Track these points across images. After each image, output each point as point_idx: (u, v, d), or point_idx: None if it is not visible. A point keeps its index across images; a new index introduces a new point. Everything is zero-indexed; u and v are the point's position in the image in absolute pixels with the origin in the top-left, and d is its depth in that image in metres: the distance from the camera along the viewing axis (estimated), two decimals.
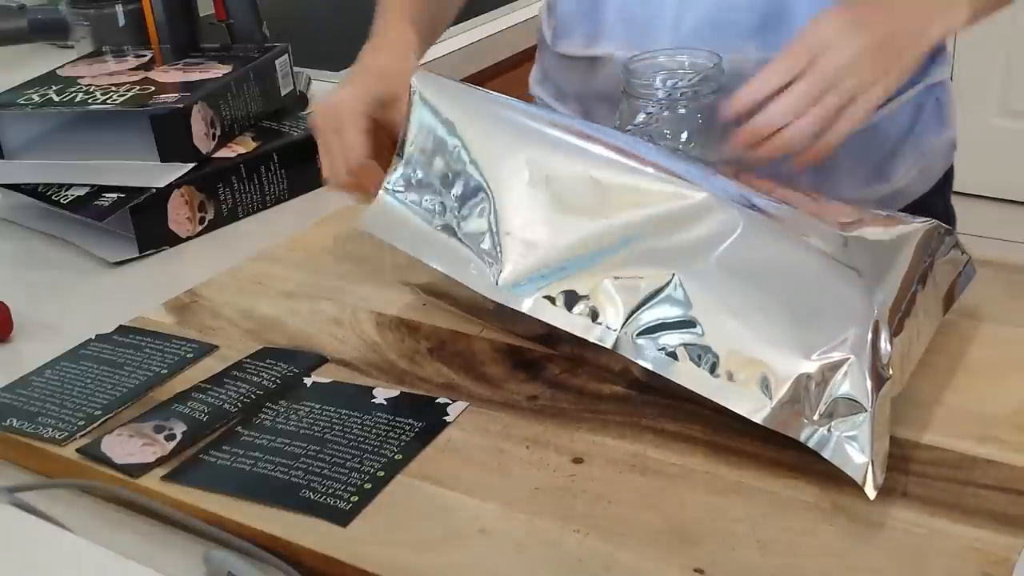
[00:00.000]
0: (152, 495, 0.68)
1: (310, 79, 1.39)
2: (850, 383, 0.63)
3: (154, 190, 1.01)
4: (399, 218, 0.81)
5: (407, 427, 0.72)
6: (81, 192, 1.02)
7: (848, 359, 0.64)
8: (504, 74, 1.64)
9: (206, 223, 1.06)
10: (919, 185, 1.03)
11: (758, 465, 0.66)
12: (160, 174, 1.03)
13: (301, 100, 1.31)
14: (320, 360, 0.81)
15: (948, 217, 1.08)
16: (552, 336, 0.76)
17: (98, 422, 0.75)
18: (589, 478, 0.67)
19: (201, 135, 1.06)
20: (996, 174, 2.64)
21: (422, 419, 0.73)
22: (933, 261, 0.73)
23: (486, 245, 0.76)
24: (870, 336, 0.65)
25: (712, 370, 0.67)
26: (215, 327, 0.86)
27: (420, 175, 0.81)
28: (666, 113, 0.85)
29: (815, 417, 0.64)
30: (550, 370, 0.77)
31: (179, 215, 1.03)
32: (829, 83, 0.77)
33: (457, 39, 1.59)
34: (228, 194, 1.07)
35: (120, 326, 0.87)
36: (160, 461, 0.70)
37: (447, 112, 0.80)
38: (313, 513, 0.65)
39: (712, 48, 0.87)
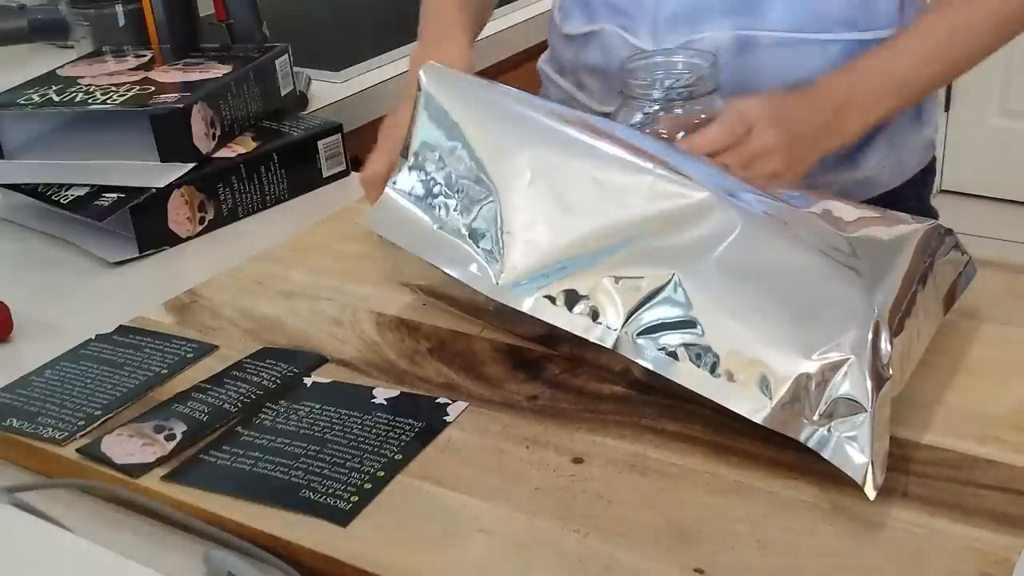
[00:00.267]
0: (152, 495, 0.68)
1: (310, 79, 1.39)
2: (850, 383, 0.63)
3: (154, 190, 1.01)
4: (402, 216, 0.81)
5: (407, 427, 0.72)
6: (81, 192, 1.02)
7: (848, 359, 0.64)
8: (505, 73, 1.64)
9: (206, 223, 1.06)
10: (890, 177, 1.06)
11: (758, 465, 0.66)
12: (160, 174, 1.03)
13: (301, 100, 1.31)
14: (320, 360, 0.81)
15: (924, 213, 1.09)
16: (552, 336, 0.76)
17: (98, 422, 0.75)
18: (589, 478, 0.67)
19: (201, 135, 1.06)
20: (996, 174, 2.64)
21: (422, 419, 0.73)
22: (933, 261, 0.73)
23: (487, 244, 0.76)
24: (870, 336, 0.65)
25: (712, 370, 0.67)
26: (215, 327, 0.86)
27: (424, 173, 0.81)
28: (662, 113, 0.85)
29: (815, 417, 0.64)
30: (550, 370, 0.77)
31: (179, 215, 1.03)
32: (747, 163, 0.84)
33: None
34: (228, 194, 1.07)
35: (120, 326, 0.87)
36: (160, 461, 0.70)
37: (452, 110, 0.80)
38: (313, 513, 0.65)
39: (689, 27, 0.95)
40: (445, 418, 0.73)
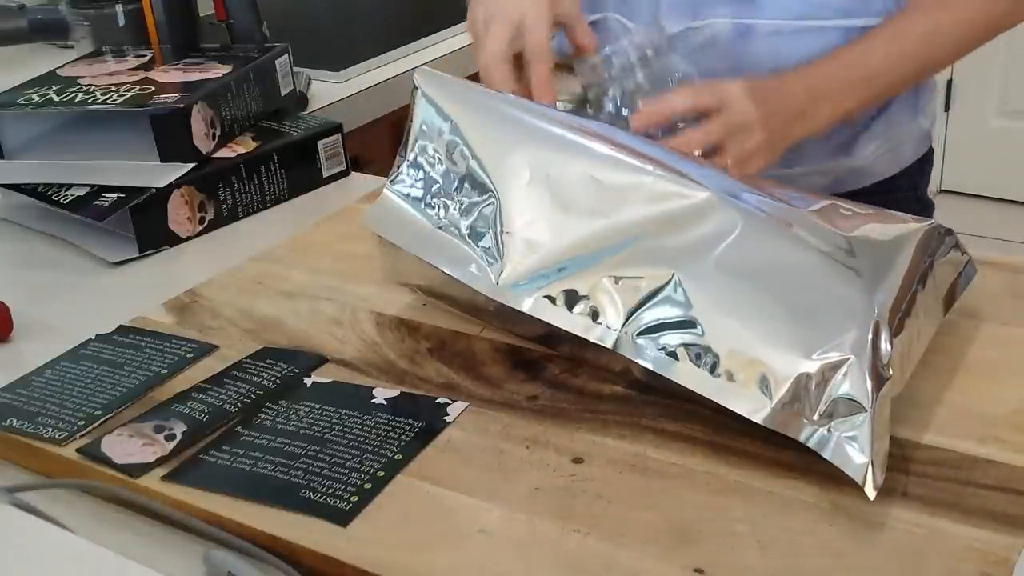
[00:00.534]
0: (152, 495, 0.68)
1: (310, 79, 1.39)
2: (850, 383, 0.63)
3: (154, 190, 1.01)
4: (401, 216, 0.81)
5: (407, 427, 0.72)
6: (81, 192, 1.02)
7: (848, 359, 0.64)
8: None
9: (206, 223, 1.06)
10: (887, 166, 1.07)
11: (758, 465, 0.66)
12: (160, 174, 1.03)
13: (301, 100, 1.31)
14: (320, 360, 0.81)
15: (921, 205, 1.12)
16: (552, 336, 0.76)
17: (98, 422, 0.75)
18: (589, 478, 0.67)
19: (201, 135, 1.06)
20: (996, 174, 2.64)
21: (422, 419, 0.73)
22: (933, 261, 0.73)
23: (487, 244, 0.76)
24: (870, 336, 0.65)
25: (712, 370, 0.67)
26: (215, 327, 0.86)
27: (423, 173, 0.81)
28: (622, 89, 0.87)
29: (815, 417, 0.64)
30: (550, 370, 0.77)
31: (179, 215, 1.03)
32: (730, 134, 0.85)
33: (457, 39, 1.59)
34: (228, 194, 1.07)
35: (120, 326, 0.87)
36: (160, 461, 0.70)
37: (450, 110, 0.80)
38: (313, 513, 0.65)
39: (690, 15, 0.97)
40: (445, 418, 0.73)
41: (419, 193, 0.81)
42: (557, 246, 0.74)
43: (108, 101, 1.07)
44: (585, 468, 0.67)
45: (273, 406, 0.75)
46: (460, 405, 0.74)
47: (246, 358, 0.81)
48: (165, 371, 0.80)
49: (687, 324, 0.68)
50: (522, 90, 0.83)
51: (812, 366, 0.64)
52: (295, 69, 1.24)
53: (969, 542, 0.59)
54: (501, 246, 0.76)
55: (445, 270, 0.78)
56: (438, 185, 0.80)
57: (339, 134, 1.15)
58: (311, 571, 0.62)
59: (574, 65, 0.88)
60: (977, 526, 0.60)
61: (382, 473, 0.68)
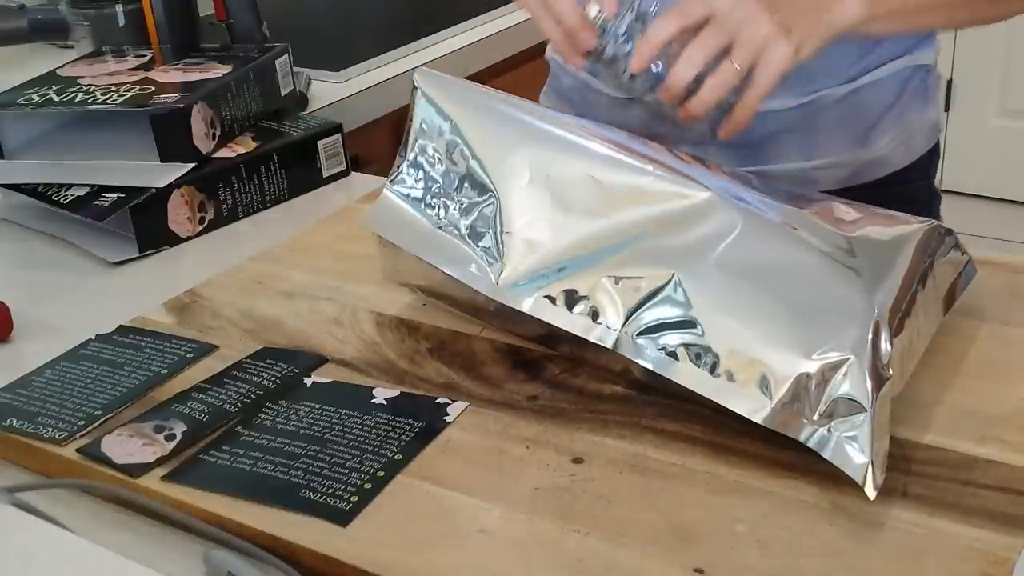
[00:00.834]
0: (152, 495, 0.68)
1: (310, 79, 1.39)
2: (850, 383, 0.63)
3: (154, 190, 1.01)
4: (401, 216, 0.81)
5: (407, 427, 0.72)
6: (81, 192, 1.02)
7: (848, 359, 0.64)
8: (504, 74, 1.64)
9: (206, 223, 1.06)
10: (901, 157, 1.07)
11: (758, 465, 0.66)
12: (160, 174, 1.03)
13: (301, 100, 1.31)
14: (320, 360, 0.81)
15: (930, 194, 1.12)
16: (552, 336, 0.76)
17: (98, 422, 0.75)
18: (589, 478, 0.67)
19: (201, 135, 1.06)
20: (996, 174, 2.64)
21: (422, 419, 0.73)
22: (933, 261, 0.73)
23: (487, 244, 0.76)
24: (870, 336, 0.65)
25: (712, 370, 0.67)
26: (215, 327, 0.86)
27: (423, 173, 0.81)
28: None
29: (815, 417, 0.64)
30: (550, 370, 0.77)
31: (179, 215, 1.03)
32: (731, 32, 0.79)
33: (457, 39, 1.59)
34: (228, 194, 1.07)
35: (120, 326, 0.87)
36: (160, 461, 0.70)
37: (450, 110, 0.80)
38: (313, 513, 0.65)
39: None
40: (445, 418, 0.73)
41: (419, 193, 0.81)
42: (557, 246, 0.74)
43: (108, 101, 1.07)
44: (585, 468, 0.67)
45: (273, 406, 0.75)
46: (460, 405, 0.74)
47: (246, 358, 0.81)
48: (165, 371, 0.80)
49: (687, 324, 0.68)
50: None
51: (812, 366, 0.64)
52: (295, 69, 1.23)
53: (969, 542, 0.59)
54: (501, 246, 0.76)
55: (445, 270, 0.78)
56: (438, 185, 0.80)
57: (339, 134, 1.15)
58: (311, 571, 0.62)
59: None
60: (977, 526, 0.60)
61: (382, 473, 0.68)
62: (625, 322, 0.70)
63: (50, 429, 0.74)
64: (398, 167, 0.82)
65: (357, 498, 0.66)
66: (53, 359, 0.83)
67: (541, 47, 1.64)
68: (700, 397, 0.67)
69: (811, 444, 0.64)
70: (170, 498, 0.67)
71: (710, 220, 0.70)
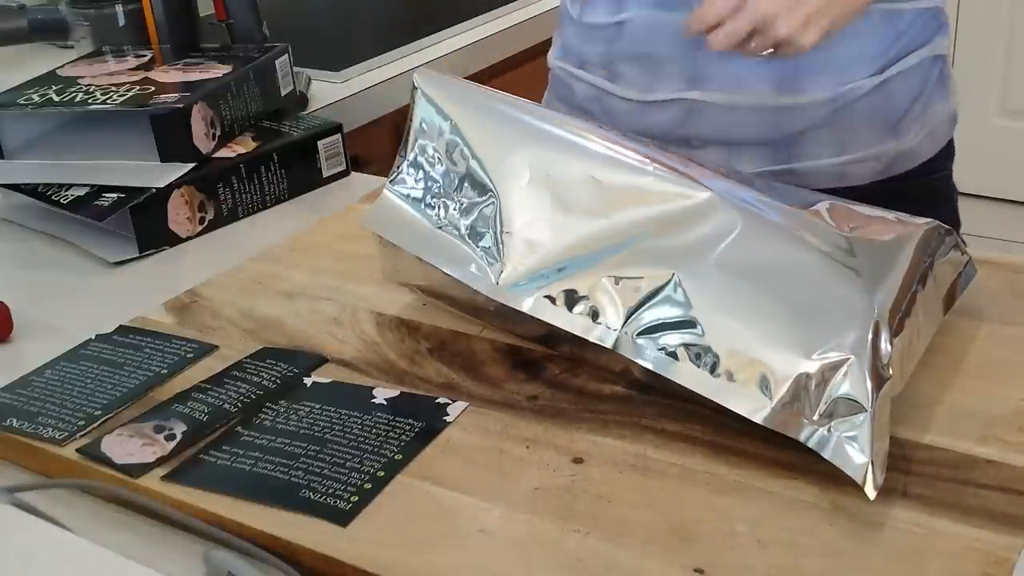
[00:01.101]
0: (152, 495, 0.68)
1: (310, 79, 1.39)
2: (850, 383, 0.63)
3: (154, 190, 1.01)
4: (401, 216, 0.81)
5: (407, 427, 0.72)
6: (81, 192, 1.02)
7: (848, 359, 0.64)
8: (504, 74, 1.64)
9: (206, 223, 1.06)
10: (927, 148, 1.08)
11: (758, 465, 0.66)
12: (160, 174, 1.03)
13: (301, 100, 1.31)
14: (320, 360, 0.81)
15: (949, 187, 1.14)
16: (552, 336, 0.76)
17: (98, 422, 0.75)
18: (589, 478, 0.67)
19: (201, 135, 1.06)
20: (996, 174, 2.64)
21: (422, 419, 0.73)
22: (933, 261, 0.73)
23: (487, 244, 0.76)
24: (870, 336, 0.65)
25: (712, 370, 0.67)
26: (215, 327, 0.87)
27: (422, 173, 0.81)
28: None
29: (815, 417, 0.64)
30: (550, 370, 0.77)
31: (179, 215, 1.03)
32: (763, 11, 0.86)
33: (457, 39, 1.59)
34: (228, 194, 1.07)
35: (120, 326, 0.87)
36: (160, 461, 0.70)
37: (450, 110, 0.80)
38: (313, 513, 0.65)
39: None
40: (445, 418, 0.73)
41: (419, 193, 0.81)
42: (557, 246, 0.74)
43: (108, 101, 1.07)
44: (585, 468, 0.67)
45: (273, 406, 0.75)
46: (460, 405, 0.74)
47: (246, 358, 0.81)
48: (165, 371, 0.80)
49: (687, 324, 0.68)
50: None
51: (812, 366, 0.64)
52: (295, 69, 1.23)
53: (969, 542, 0.59)
54: (501, 246, 0.76)
55: (445, 270, 0.78)
56: (438, 185, 0.80)
57: (339, 134, 1.15)
58: (311, 571, 0.62)
59: None
60: (977, 526, 0.60)
61: (382, 473, 0.68)
62: (625, 322, 0.70)
63: (50, 429, 0.74)
64: (398, 167, 0.82)
65: (357, 498, 0.66)
66: (53, 359, 0.83)
67: (540, 47, 1.64)
68: (700, 397, 0.67)
69: (811, 444, 0.64)
70: (170, 498, 0.67)
71: (710, 220, 0.70)
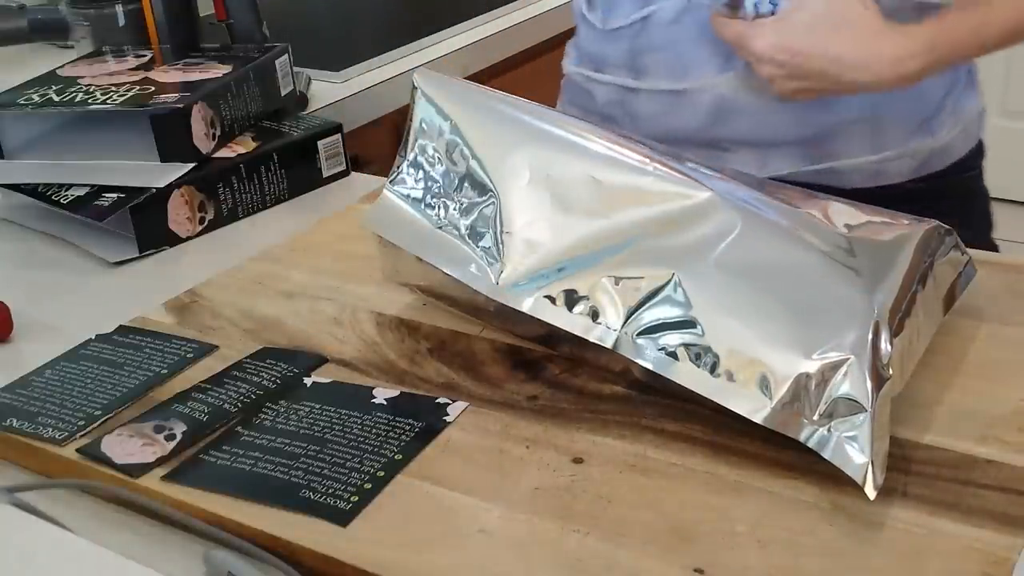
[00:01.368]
0: (152, 495, 0.68)
1: (310, 79, 1.39)
2: (850, 383, 0.63)
3: (154, 190, 1.01)
4: (401, 216, 0.81)
5: (407, 427, 0.72)
6: (81, 192, 1.02)
7: (848, 359, 0.64)
8: (504, 74, 1.64)
9: (206, 223, 1.06)
10: (960, 145, 1.09)
11: (758, 465, 0.66)
12: (160, 174, 1.03)
13: (301, 100, 1.31)
14: (320, 360, 0.81)
15: (981, 187, 1.17)
16: (552, 336, 0.76)
17: (98, 422, 0.75)
18: (589, 478, 0.67)
19: (201, 135, 1.06)
20: (996, 174, 2.63)
21: (422, 419, 0.73)
22: (933, 261, 0.73)
23: (487, 244, 0.76)
24: (870, 336, 0.65)
25: (712, 370, 0.67)
26: (215, 327, 0.86)
27: (422, 173, 0.81)
28: None
29: (815, 417, 0.64)
30: (550, 370, 0.77)
31: (179, 215, 1.03)
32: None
33: (457, 39, 1.59)
34: (228, 194, 1.07)
35: (120, 326, 0.87)
36: (160, 461, 0.70)
37: (450, 110, 0.80)
38: (313, 513, 0.65)
39: None
40: (445, 418, 0.73)
41: (419, 193, 0.81)
42: (557, 246, 0.74)
43: (108, 101, 1.07)
44: (585, 468, 0.67)
45: (273, 406, 0.75)
46: (460, 405, 0.74)
47: (246, 358, 0.81)
48: (165, 371, 0.80)
49: (687, 324, 0.68)
50: None
51: (812, 366, 0.64)
52: (295, 69, 1.23)
53: (969, 542, 0.59)
54: (501, 246, 0.76)
55: (445, 270, 0.78)
56: (438, 185, 0.80)
57: (339, 134, 1.15)
58: (311, 571, 0.62)
59: None
60: (977, 526, 0.60)
61: (382, 473, 0.68)
62: (625, 322, 0.70)
63: (50, 429, 0.74)
64: (398, 167, 0.82)
65: (357, 498, 0.66)
66: (53, 359, 0.83)
67: (540, 47, 1.64)
68: (700, 397, 0.67)
69: (811, 444, 0.64)
70: (170, 498, 0.67)
71: (710, 220, 0.70)
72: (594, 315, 0.71)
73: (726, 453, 0.68)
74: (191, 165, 1.04)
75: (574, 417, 0.72)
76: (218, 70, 1.14)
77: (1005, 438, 0.67)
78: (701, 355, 0.67)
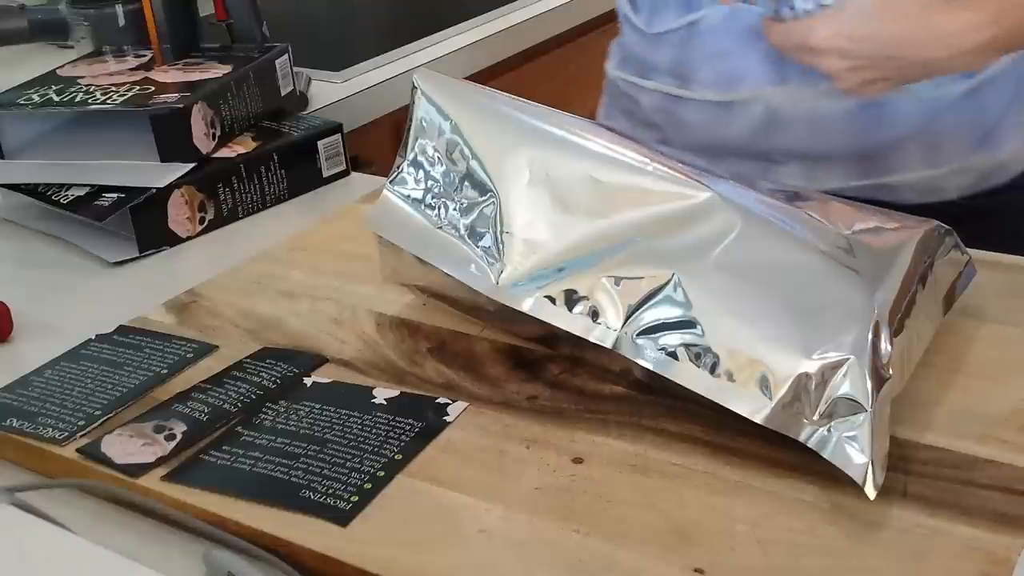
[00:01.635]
0: (152, 495, 0.68)
1: (310, 79, 1.39)
2: (850, 383, 0.63)
3: (154, 190, 1.01)
4: (401, 217, 0.81)
5: (407, 427, 0.72)
6: (81, 192, 1.02)
7: (848, 359, 0.64)
8: (504, 74, 1.64)
9: (206, 223, 1.06)
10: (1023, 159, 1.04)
11: (758, 465, 0.66)
12: (160, 174, 1.03)
13: (301, 100, 1.31)
14: (320, 360, 0.81)
15: None
16: (552, 336, 0.76)
17: (98, 422, 0.75)
18: (589, 478, 0.67)
19: (201, 135, 1.06)
20: None
21: (422, 419, 0.73)
22: (933, 261, 0.73)
23: (487, 244, 0.76)
24: (870, 336, 0.65)
25: (712, 370, 0.67)
26: (215, 327, 0.87)
27: (423, 173, 0.81)
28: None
29: (815, 417, 0.64)
30: (550, 370, 0.77)
31: (179, 215, 1.03)
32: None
33: (457, 39, 1.59)
34: (228, 194, 1.07)
35: (120, 326, 0.87)
36: (160, 461, 0.70)
37: (450, 110, 0.80)
38: (313, 513, 0.65)
39: None
40: (445, 418, 0.73)
41: (419, 194, 0.81)
42: (557, 246, 0.74)
43: (108, 101, 1.07)
44: (585, 468, 0.67)
45: (273, 406, 0.75)
46: (460, 405, 0.74)
47: (246, 358, 0.81)
48: (165, 371, 0.80)
49: (687, 324, 0.68)
50: None
51: (812, 366, 0.64)
52: (295, 69, 1.23)
53: (969, 542, 0.59)
54: (501, 246, 0.76)
55: (445, 270, 0.78)
56: (438, 185, 0.80)
57: (339, 134, 1.15)
58: (311, 571, 0.62)
59: None
60: (977, 526, 0.60)
61: (382, 473, 0.68)
62: (625, 322, 0.70)
63: (50, 429, 0.74)
64: (398, 167, 0.82)
65: (357, 498, 0.66)
66: (53, 359, 0.83)
67: (540, 47, 1.64)
68: (700, 397, 0.67)
69: (811, 444, 0.64)
70: (170, 498, 0.67)
71: (710, 220, 0.70)
72: (594, 315, 0.71)
73: (726, 453, 0.68)
74: (191, 165, 1.04)
75: (574, 417, 0.72)
76: (218, 70, 1.14)
77: (1005, 438, 0.67)
78: (701, 355, 0.67)
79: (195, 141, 1.06)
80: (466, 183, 0.78)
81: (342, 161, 1.16)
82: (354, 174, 1.17)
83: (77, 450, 0.72)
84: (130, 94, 1.08)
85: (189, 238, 1.04)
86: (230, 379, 0.79)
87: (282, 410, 0.75)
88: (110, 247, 1.02)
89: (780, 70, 0.97)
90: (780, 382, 0.65)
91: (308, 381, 0.78)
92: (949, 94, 0.96)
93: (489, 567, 0.60)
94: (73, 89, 1.11)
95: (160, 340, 0.85)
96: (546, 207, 0.75)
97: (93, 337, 0.86)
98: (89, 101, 1.07)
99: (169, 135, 1.04)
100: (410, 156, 0.82)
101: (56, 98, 1.09)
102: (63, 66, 1.20)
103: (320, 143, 1.14)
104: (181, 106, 1.04)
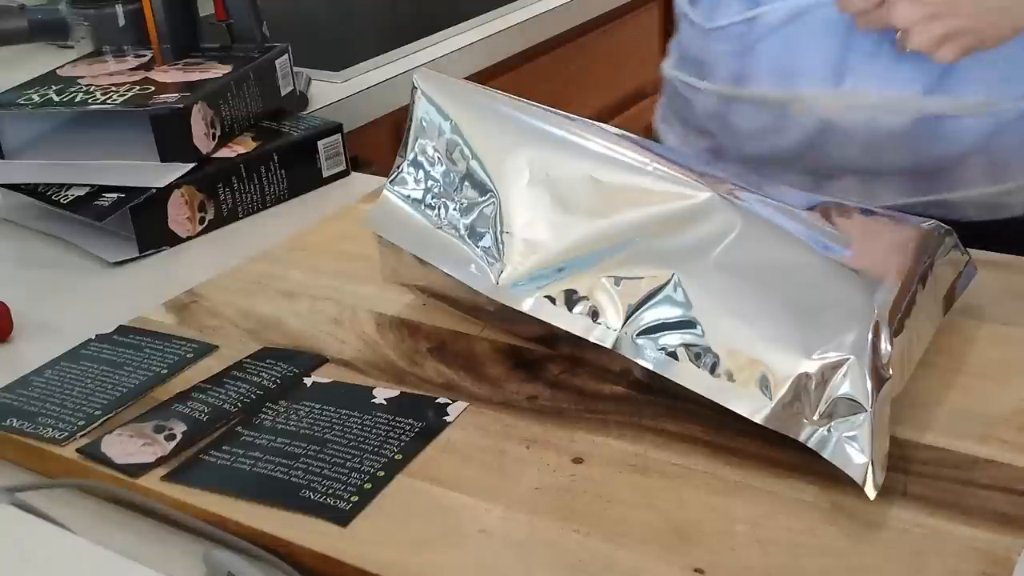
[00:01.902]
0: (152, 495, 0.68)
1: (310, 79, 1.39)
2: (850, 383, 0.63)
3: (154, 190, 1.01)
4: (401, 217, 0.81)
5: (407, 427, 0.72)
6: (81, 192, 1.02)
7: (848, 359, 0.64)
8: (504, 74, 1.64)
9: (206, 223, 1.06)
10: None
11: (758, 465, 0.66)
12: (160, 174, 1.03)
13: (301, 100, 1.31)
14: (320, 360, 0.81)
15: None
16: (552, 336, 0.76)
17: (98, 422, 0.75)
18: (589, 478, 0.67)
19: (201, 135, 1.06)
20: None
21: (422, 419, 0.73)
22: (933, 261, 0.73)
23: (487, 244, 0.76)
24: (870, 336, 0.65)
25: (712, 370, 0.67)
26: (215, 327, 0.87)
27: (423, 173, 0.81)
28: None
29: (815, 417, 0.64)
30: (550, 370, 0.77)
31: (179, 215, 1.03)
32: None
33: (457, 39, 1.59)
34: (228, 194, 1.07)
35: (120, 326, 0.87)
36: (160, 461, 0.70)
37: (450, 110, 0.80)
38: (313, 513, 0.65)
39: None
40: (445, 418, 0.73)
41: (419, 194, 0.81)
42: (557, 246, 0.74)
43: (108, 101, 1.07)
44: (585, 468, 0.67)
45: (273, 406, 0.75)
46: (460, 405, 0.74)
47: (246, 358, 0.81)
48: (165, 371, 0.80)
49: (687, 324, 0.68)
50: None
51: (812, 366, 0.64)
52: (295, 69, 1.23)
53: (969, 542, 0.59)
54: (501, 246, 0.76)
55: (445, 270, 0.78)
56: (438, 185, 0.80)
57: (339, 134, 1.15)
58: (311, 571, 0.62)
59: None
60: (977, 526, 0.60)
61: (382, 473, 0.68)
62: (625, 322, 0.70)
63: (50, 429, 0.74)
64: (398, 167, 0.82)
65: (357, 498, 0.66)
66: (53, 359, 0.83)
67: (540, 47, 1.64)
68: (700, 397, 0.67)
69: (811, 444, 0.64)
70: (170, 498, 0.67)
71: (710, 220, 0.70)
72: (594, 315, 0.71)
73: (726, 453, 0.68)
74: (191, 165, 1.04)
75: (574, 417, 0.72)
76: (218, 70, 1.14)
77: (1005, 438, 0.67)
78: (701, 355, 0.67)
79: (195, 141, 1.06)
80: (466, 183, 0.78)
81: (342, 161, 1.16)
82: (354, 174, 1.17)
83: (77, 450, 0.72)
84: (130, 94, 1.08)
85: (189, 238, 1.04)
86: (230, 379, 0.79)
87: (282, 410, 0.75)
88: (110, 247, 1.02)
89: (839, 72, 0.94)
90: (780, 382, 0.65)
91: (308, 381, 0.78)
92: (1012, 109, 0.94)
93: (489, 567, 0.60)
94: (73, 89, 1.11)
95: (160, 340, 0.85)
96: (546, 207, 0.75)
97: (93, 337, 0.86)
98: (89, 101, 1.07)
99: (169, 135, 1.04)
100: (410, 156, 0.82)
101: (56, 98, 1.09)
102: (63, 66, 1.20)
103: (320, 143, 1.14)
104: (181, 106, 1.04)
